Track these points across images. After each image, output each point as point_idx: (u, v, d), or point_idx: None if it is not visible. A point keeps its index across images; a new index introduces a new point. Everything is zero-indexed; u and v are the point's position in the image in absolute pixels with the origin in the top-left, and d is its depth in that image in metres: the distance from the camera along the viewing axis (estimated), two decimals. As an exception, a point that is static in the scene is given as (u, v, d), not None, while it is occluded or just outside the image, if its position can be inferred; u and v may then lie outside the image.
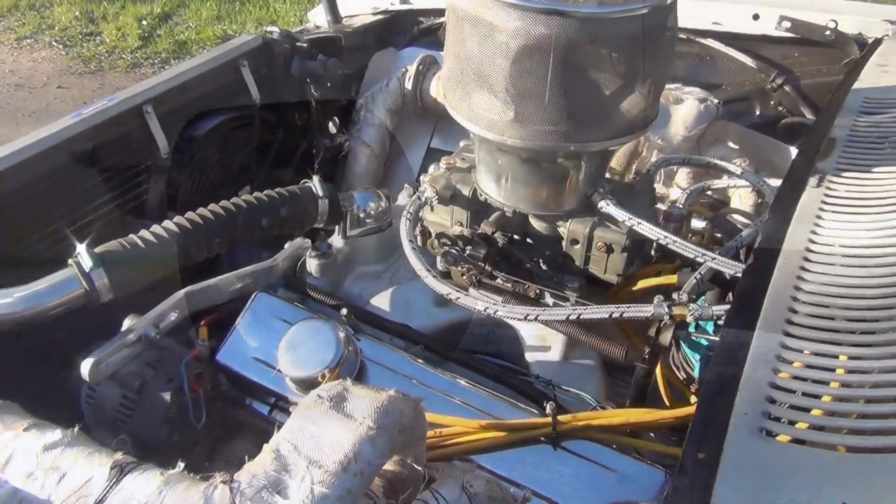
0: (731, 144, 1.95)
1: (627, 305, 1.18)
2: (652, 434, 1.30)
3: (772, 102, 2.05)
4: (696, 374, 1.39)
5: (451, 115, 2.32)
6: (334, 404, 1.06)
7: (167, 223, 1.40)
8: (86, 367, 1.31)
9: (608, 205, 1.30)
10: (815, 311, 0.96)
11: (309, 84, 2.25)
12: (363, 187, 1.66)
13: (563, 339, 1.40)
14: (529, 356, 1.45)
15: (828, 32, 1.88)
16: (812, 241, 1.08)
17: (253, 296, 1.48)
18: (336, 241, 1.62)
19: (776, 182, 1.58)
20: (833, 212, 1.15)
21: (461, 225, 1.43)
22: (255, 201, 1.47)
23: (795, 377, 0.87)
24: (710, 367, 0.93)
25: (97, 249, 1.32)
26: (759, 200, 1.81)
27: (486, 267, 1.31)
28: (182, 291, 1.46)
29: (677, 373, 1.41)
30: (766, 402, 0.85)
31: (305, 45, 2.22)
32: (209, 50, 2.32)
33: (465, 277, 1.37)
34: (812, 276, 1.02)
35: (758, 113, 2.08)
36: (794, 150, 1.86)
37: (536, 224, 1.38)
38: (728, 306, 1.15)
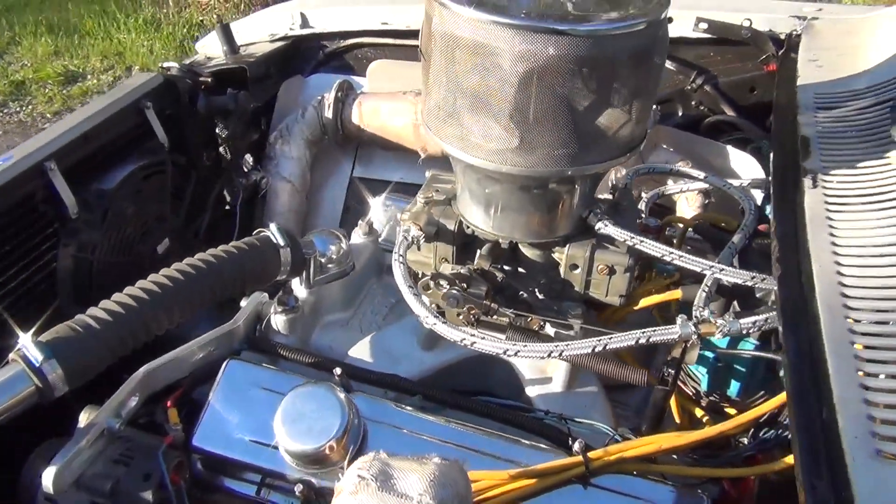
0: (667, 147, 1.97)
1: (653, 329, 1.14)
2: (674, 456, 1.26)
3: (693, 103, 2.09)
4: (703, 388, 1.37)
5: (370, 141, 2.27)
6: (381, 483, 0.95)
7: (119, 296, 1.22)
8: (48, 477, 1.12)
9: (606, 225, 1.25)
10: (874, 318, 0.95)
11: (217, 122, 2.08)
12: (319, 229, 1.53)
13: (565, 369, 1.34)
14: (530, 390, 1.38)
15: (744, 31, 1.93)
16: (836, 245, 1.08)
17: (224, 365, 1.32)
18: (299, 291, 1.49)
19: (736, 183, 1.59)
20: (841, 211, 1.15)
21: (447, 261, 1.34)
22: (214, 259, 1.31)
23: (889, 390, 0.85)
24: (792, 387, 0.89)
25: (43, 338, 1.13)
26: (707, 202, 1.83)
27: (490, 304, 1.23)
28: (141, 371, 1.28)
29: (685, 388, 1.38)
30: (869, 420, 0.82)
31: (210, 79, 2.05)
32: (60, 110, 2.08)
33: (461, 317, 1.28)
34: (853, 280, 1.01)
35: (680, 114, 2.11)
36: (730, 149, 1.90)
37: (530, 252, 1.31)
38: (756, 318, 1.13)
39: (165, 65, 2.04)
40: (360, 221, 1.63)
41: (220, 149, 2.10)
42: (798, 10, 2.00)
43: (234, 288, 1.33)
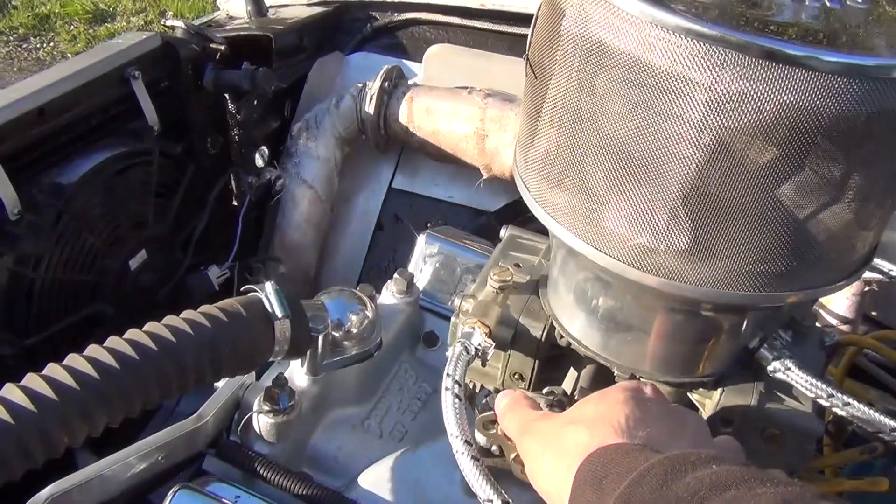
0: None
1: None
2: None
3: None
4: None
5: (418, 148, 1.79)
6: None
7: (11, 390, 0.77)
8: None
9: (789, 369, 0.78)
10: None
11: (227, 101, 1.62)
12: (336, 289, 1.07)
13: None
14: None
15: None
16: None
17: (169, 496, 0.87)
18: (299, 378, 1.03)
19: None
20: None
21: (520, 378, 0.88)
22: (171, 336, 0.86)
23: None
24: None
25: None
26: (866, 290, 1.35)
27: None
28: (43, 495, 0.84)
29: None
30: None
31: (223, 46, 1.59)
32: (83, 50, 1.63)
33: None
34: None
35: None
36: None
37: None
38: None
39: (169, 23, 1.59)
40: (395, 275, 1.16)
41: (228, 137, 1.65)
42: None
43: (198, 379, 0.88)
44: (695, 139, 0.58)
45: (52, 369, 0.80)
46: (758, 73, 0.55)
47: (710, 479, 0.50)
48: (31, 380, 0.78)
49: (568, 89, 0.66)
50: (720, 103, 0.56)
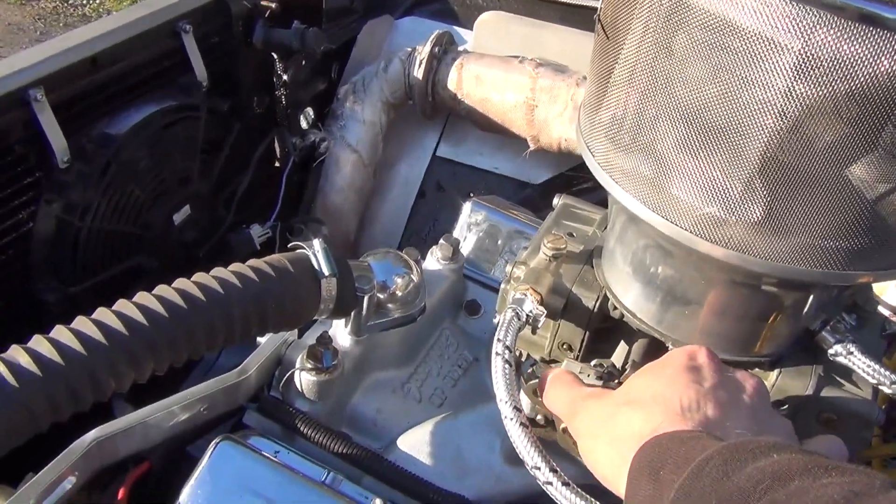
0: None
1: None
2: None
3: None
4: None
5: (465, 116, 1.76)
6: None
7: (61, 332, 0.77)
8: None
9: (852, 353, 0.75)
10: None
11: (276, 60, 1.61)
12: (382, 251, 1.05)
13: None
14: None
15: None
16: None
17: (211, 447, 0.88)
18: (343, 338, 1.02)
19: None
20: None
21: (569, 349, 0.86)
22: (222, 289, 0.86)
23: None
24: None
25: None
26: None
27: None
28: (88, 437, 0.85)
29: None
30: None
31: (274, 4, 1.58)
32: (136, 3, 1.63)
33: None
34: None
35: None
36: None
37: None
38: None
39: (221, -22, 1.57)
40: (441, 241, 1.15)
41: (275, 96, 1.64)
42: None
43: (244, 333, 0.88)
44: (779, 107, 0.55)
45: (102, 314, 0.80)
46: (853, 38, 0.52)
47: (773, 468, 0.48)
48: (81, 322, 0.78)
49: (643, 50, 0.63)
50: (809, 69, 0.53)
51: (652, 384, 0.64)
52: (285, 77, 1.62)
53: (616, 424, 0.62)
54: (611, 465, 0.61)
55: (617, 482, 0.59)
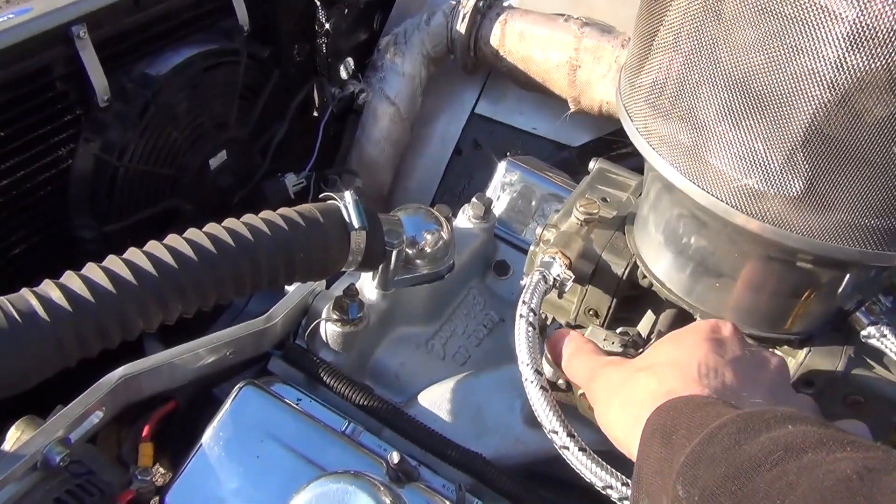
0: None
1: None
2: None
3: None
4: None
5: (506, 73, 1.73)
6: None
7: (92, 269, 0.78)
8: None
9: (885, 336, 0.73)
10: None
11: (319, 8, 1.60)
12: (413, 206, 1.05)
13: None
14: None
15: None
16: None
17: (235, 391, 0.89)
18: (369, 291, 1.03)
19: None
20: None
21: (595, 315, 0.86)
22: (251, 235, 0.86)
23: None
24: None
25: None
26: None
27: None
28: (116, 374, 0.87)
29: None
30: None
31: (318, -50, 1.56)
32: None
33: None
34: None
35: None
36: None
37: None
38: None
39: (265, -78, 1.55)
40: (473, 199, 1.14)
41: (315, 45, 1.63)
42: None
43: (271, 281, 0.89)
44: (828, 77, 0.53)
45: (133, 254, 0.81)
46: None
47: (786, 440, 0.47)
48: (113, 262, 0.79)
49: (690, 13, 0.61)
50: (864, 39, 0.51)
51: (671, 351, 0.63)
52: (327, 26, 1.61)
53: (632, 388, 0.62)
54: (624, 427, 0.60)
55: (630, 444, 0.59)
